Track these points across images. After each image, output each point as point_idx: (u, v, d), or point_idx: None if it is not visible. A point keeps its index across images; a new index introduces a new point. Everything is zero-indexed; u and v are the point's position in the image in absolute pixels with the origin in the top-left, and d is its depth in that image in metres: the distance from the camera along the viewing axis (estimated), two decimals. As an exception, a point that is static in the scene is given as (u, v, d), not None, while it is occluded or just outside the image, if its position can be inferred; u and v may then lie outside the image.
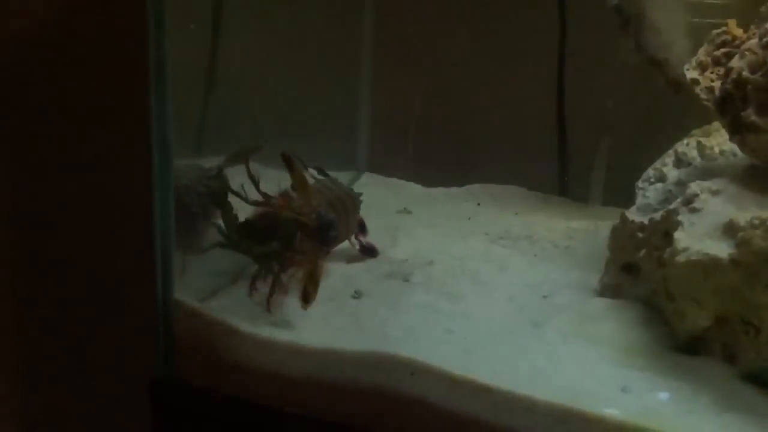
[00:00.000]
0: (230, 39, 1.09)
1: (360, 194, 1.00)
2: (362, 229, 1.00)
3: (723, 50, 0.86)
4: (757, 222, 0.71)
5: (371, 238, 1.00)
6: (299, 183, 0.82)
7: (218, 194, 0.84)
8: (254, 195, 0.83)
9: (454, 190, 1.19)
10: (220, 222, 0.85)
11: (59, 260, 1.10)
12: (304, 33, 1.15)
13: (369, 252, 0.99)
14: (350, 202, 0.97)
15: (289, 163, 0.85)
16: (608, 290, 0.88)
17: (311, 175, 0.97)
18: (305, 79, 1.13)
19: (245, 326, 0.80)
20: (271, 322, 0.81)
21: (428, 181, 1.21)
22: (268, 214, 0.83)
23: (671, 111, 1.00)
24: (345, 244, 0.97)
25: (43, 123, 1.05)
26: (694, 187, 0.79)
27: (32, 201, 1.07)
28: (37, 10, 1.01)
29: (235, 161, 1.01)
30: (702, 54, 0.88)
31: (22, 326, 1.10)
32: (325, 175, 1.00)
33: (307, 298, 0.80)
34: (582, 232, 1.04)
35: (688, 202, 0.79)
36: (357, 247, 0.99)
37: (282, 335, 0.79)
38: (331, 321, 0.82)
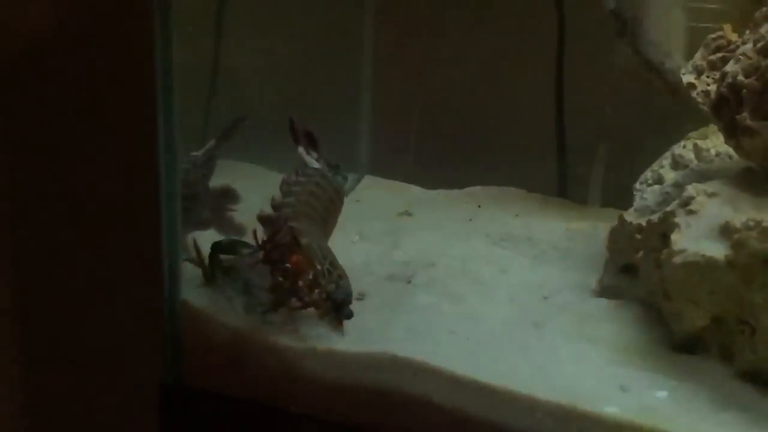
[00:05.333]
0: (232, 42, 1.10)
1: (346, 179, 0.97)
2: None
3: (719, 54, 0.87)
4: (752, 224, 0.73)
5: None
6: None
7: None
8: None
9: (455, 192, 1.19)
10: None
11: (64, 263, 1.10)
12: (305, 36, 1.16)
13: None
14: (337, 197, 0.93)
15: (293, 129, 0.91)
16: (607, 291, 0.89)
17: (307, 162, 0.94)
18: (306, 81, 1.14)
19: (250, 329, 0.81)
20: (276, 324, 0.82)
21: (429, 183, 1.21)
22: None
23: (668, 113, 1.01)
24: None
25: (48, 125, 1.06)
26: (690, 189, 0.81)
27: (36, 203, 1.08)
28: (43, 13, 1.02)
29: (225, 140, 1.01)
30: (698, 58, 0.89)
31: (27, 331, 1.10)
32: (337, 168, 0.97)
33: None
34: (581, 234, 1.04)
35: (685, 204, 0.80)
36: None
37: (286, 337, 0.80)
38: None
